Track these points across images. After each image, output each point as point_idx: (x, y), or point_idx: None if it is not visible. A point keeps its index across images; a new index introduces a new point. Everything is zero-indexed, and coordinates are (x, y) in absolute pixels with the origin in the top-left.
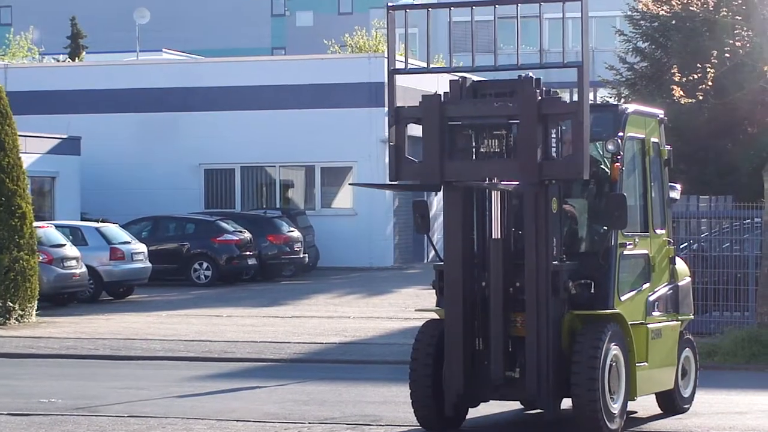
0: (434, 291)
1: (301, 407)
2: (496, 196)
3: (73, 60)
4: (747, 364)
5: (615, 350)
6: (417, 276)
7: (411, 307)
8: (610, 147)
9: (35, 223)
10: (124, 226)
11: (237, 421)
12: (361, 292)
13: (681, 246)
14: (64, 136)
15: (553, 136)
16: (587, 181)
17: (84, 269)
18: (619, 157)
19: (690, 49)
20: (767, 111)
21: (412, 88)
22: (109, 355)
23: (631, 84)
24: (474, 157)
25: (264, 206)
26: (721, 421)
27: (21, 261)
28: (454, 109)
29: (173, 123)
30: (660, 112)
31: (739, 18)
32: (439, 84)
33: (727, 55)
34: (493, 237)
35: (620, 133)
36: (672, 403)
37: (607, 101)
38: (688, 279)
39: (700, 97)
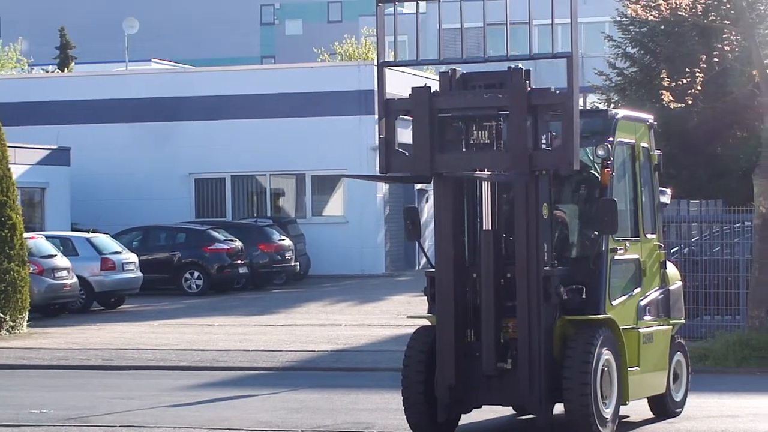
0: (426, 298)
1: (294, 415)
2: (486, 188)
3: (62, 71)
4: (738, 367)
5: (607, 355)
6: (408, 283)
7: (403, 314)
8: (601, 152)
9: (25, 234)
10: (114, 236)
11: (229, 429)
12: (353, 299)
13: (672, 250)
14: (54, 147)
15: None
16: (578, 186)
17: (75, 280)
18: (609, 162)
19: (679, 54)
20: (756, 115)
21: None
22: (101, 365)
23: (621, 89)
24: (464, 149)
25: (255, 215)
26: (713, 424)
27: (11, 272)
28: (444, 101)
29: (163, 133)
30: (650, 117)
31: (728, 22)
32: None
33: (715, 59)
34: (483, 228)
35: (610, 139)
36: (664, 407)
37: (597, 107)
38: (679, 283)
39: (690, 102)
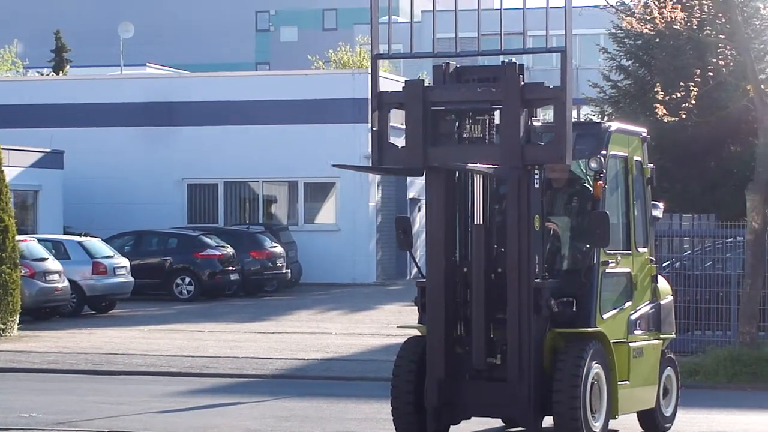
0: (416, 308)
1: (283, 423)
2: (478, 182)
3: (57, 74)
4: (728, 383)
5: (597, 369)
6: (399, 292)
7: (393, 323)
8: (593, 165)
9: (17, 237)
10: (106, 241)
11: None
12: (344, 308)
13: (663, 264)
14: (47, 150)
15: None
16: (570, 199)
17: (66, 283)
18: (601, 175)
19: (674, 68)
20: (750, 129)
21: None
22: (91, 369)
23: (615, 102)
24: (457, 142)
25: (247, 221)
26: None
27: (3, 275)
28: (437, 94)
29: (157, 137)
30: (643, 131)
31: (723, 37)
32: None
33: (710, 73)
34: (475, 223)
35: (603, 151)
36: (653, 422)
37: (591, 119)
38: (670, 298)
39: (684, 116)
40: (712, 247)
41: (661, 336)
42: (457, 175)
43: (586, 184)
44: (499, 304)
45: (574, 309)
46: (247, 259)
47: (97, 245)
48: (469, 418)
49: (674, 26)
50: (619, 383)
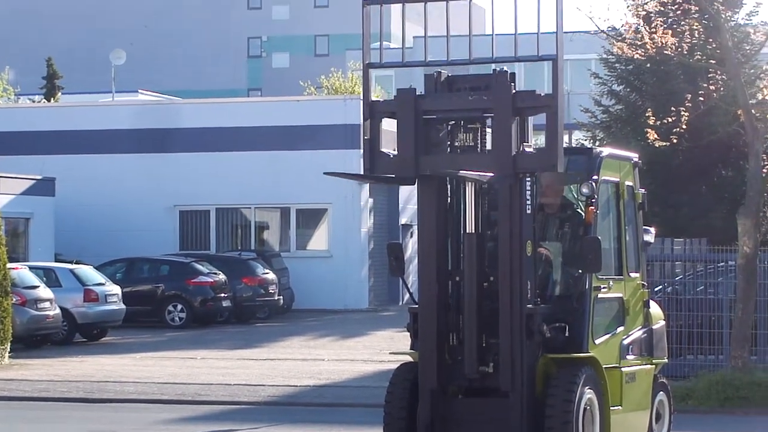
0: (409, 334)
1: None
2: (470, 190)
3: (49, 100)
4: (721, 407)
5: (589, 394)
6: (392, 318)
7: (386, 349)
8: (585, 190)
9: (9, 265)
10: (98, 268)
11: None
12: (336, 334)
13: (655, 289)
14: (39, 177)
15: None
16: (562, 224)
17: (58, 311)
18: (593, 200)
19: (664, 93)
20: (741, 154)
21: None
22: (82, 397)
23: (606, 127)
24: (449, 151)
25: (239, 248)
26: None
27: None
28: (429, 103)
29: (148, 164)
30: (634, 156)
31: (713, 62)
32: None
33: (701, 98)
34: (467, 231)
35: (595, 177)
36: None
37: (582, 144)
38: (663, 322)
39: (675, 141)
40: (704, 271)
41: (653, 361)
42: (449, 183)
43: (577, 210)
44: (491, 313)
45: (567, 334)
46: (239, 285)
47: (89, 272)
48: None
49: (665, 51)
50: (611, 408)
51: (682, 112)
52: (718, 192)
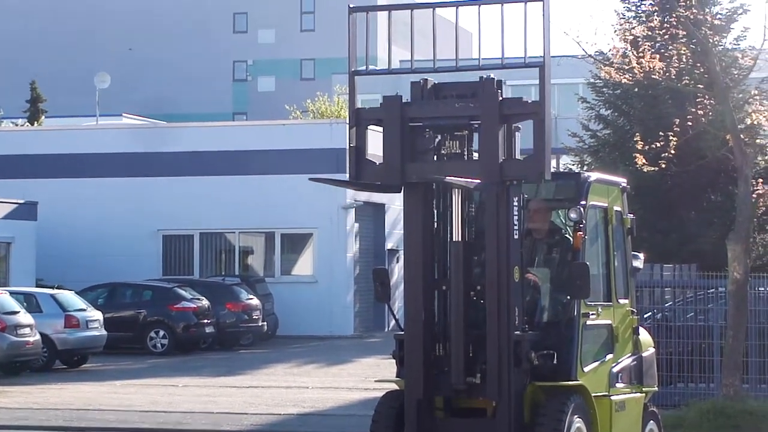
0: (395, 361)
1: None
2: (457, 198)
3: (32, 124)
4: None
5: (578, 423)
6: (377, 345)
7: (371, 377)
8: (573, 215)
9: None
10: (80, 293)
11: None
12: (321, 361)
13: (645, 316)
14: (21, 201)
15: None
16: (550, 250)
17: (38, 337)
18: (581, 225)
19: (653, 117)
20: (730, 179)
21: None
22: (62, 426)
23: (594, 151)
24: (435, 158)
25: (223, 273)
26: None
27: None
28: (415, 110)
29: (132, 188)
30: (623, 181)
31: (701, 86)
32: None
33: (689, 123)
34: (453, 239)
35: (583, 202)
36: None
37: (570, 169)
38: (652, 350)
39: (663, 165)
40: (694, 297)
41: (643, 389)
42: (435, 191)
43: (566, 235)
44: (479, 323)
45: (555, 362)
46: (222, 311)
47: (70, 298)
48: None
49: (653, 76)
50: None
51: (671, 137)
52: (707, 217)
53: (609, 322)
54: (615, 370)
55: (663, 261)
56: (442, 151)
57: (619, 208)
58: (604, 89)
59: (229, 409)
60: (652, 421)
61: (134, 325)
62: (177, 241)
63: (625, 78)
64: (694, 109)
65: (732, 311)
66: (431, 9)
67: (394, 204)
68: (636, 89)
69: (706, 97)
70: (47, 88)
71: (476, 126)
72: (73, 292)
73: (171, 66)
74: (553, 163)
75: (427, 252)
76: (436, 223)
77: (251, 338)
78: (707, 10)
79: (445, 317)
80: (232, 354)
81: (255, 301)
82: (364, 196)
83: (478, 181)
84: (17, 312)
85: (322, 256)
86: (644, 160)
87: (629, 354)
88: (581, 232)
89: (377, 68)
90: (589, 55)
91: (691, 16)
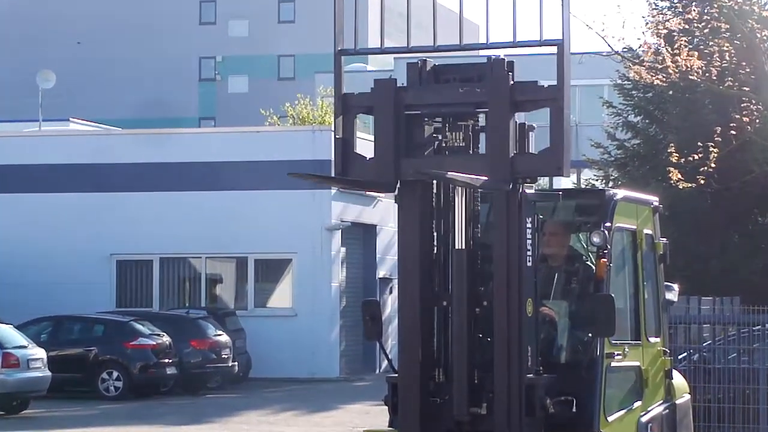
0: (387, 408)
1: None
2: (460, 199)
3: None
4: None
5: None
6: (367, 390)
7: (359, 426)
8: (596, 239)
9: None
10: (19, 327)
11: None
12: (301, 408)
13: (679, 356)
14: None
15: None
16: (568, 279)
17: None
18: (605, 251)
19: (690, 125)
20: None
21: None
22: None
23: (621, 164)
24: (435, 152)
25: (187, 305)
26: None
27: None
28: (412, 96)
29: (80, 205)
30: (654, 199)
31: (747, 89)
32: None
33: (732, 132)
34: (456, 247)
35: (607, 223)
36: None
37: (593, 185)
38: (688, 396)
39: (702, 181)
40: (737, 335)
41: None
42: (435, 190)
43: (587, 262)
44: (485, 344)
45: (574, 410)
46: (186, 349)
47: (8, 333)
48: None
49: (690, 76)
50: None
51: (711, 148)
52: (753, 242)
53: (637, 363)
54: (644, 419)
55: (701, 293)
56: (443, 144)
57: (649, 231)
58: (633, 92)
59: None
60: None
61: (83, 365)
62: (133, 267)
63: (657, 79)
64: (738, 116)
65: None
66: None
67: (387, 225)
68: (670, 92)
69: (753, 101)
70: None
71: (483, 114)
72: (11, 326)
73: (126, 63)
74: (573, 177)
75: (426, 262)
76: (435, 229)
77: (220, 381)
78: None
79: (446, 337)
80: (198, 399)
81: (224, 338)
82: (352, 215)
83: (485, 178)
84: None
85: (302, 285)
86: (680, 176)
87: (661, 401)
88: (605, 259)
89: (369, 47)
90: (616, 52)
91: (736, 7)
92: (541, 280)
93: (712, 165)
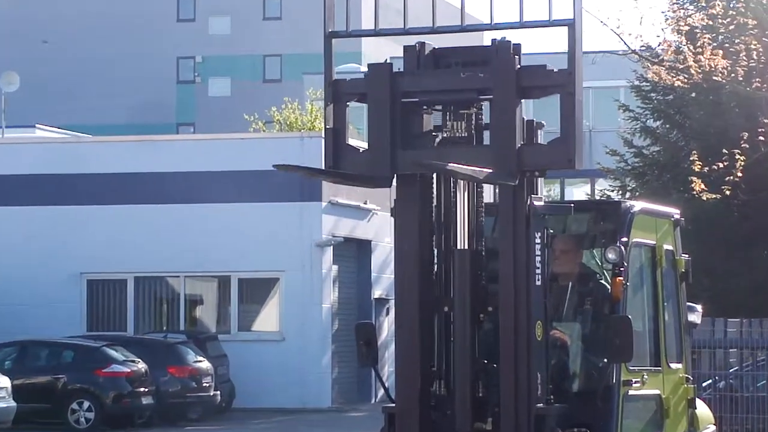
0: None
1: None
2: (462, 195)
3: None
4: None
5: None
6: (361, 421)
7: None
8: (611, 256)
9: None
10: None
11: None
12: None
13: (704, 384)
14: None
15: None
16: (581, 300)
17: None
18: (621, 269)
19: (714, 130)
20: None
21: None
22: None
23: (639, 174)
24: (435, 144)
25: (164, 328)
26: None
27: None
28: (409, 82)
29: (48, 219)
30: (675, 212)
31: None
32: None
33: (761, 137)
34: (458, 247)
35: (624, 238)
36: None
37: (608, 196)
38: (713, 427)
39: (728, 192)
40: (766, 361)
41: None
42: (435, 185)
43: (602, 281)
44: (490, 353)
45: None
46: (164, 377)
47: None
48: None
49: (714, 77)
50: None
51: (737, 156)
52: None
53: (657, 392)
54: None
55: (727, 314)
56: (444, 135)
57: (670, 247)
58: (651, 94)
59: None
60: None
61: (52, 395)
62: (106, 287)
63: (678, 80)
64: (767, 120)
65: None
66: None
67: (383, 240)
68: (693, 94)
69: None
70: None
71: (487, 101)
72: None
73: (97, 64)
74: (587, 188)
75: (425, 264)
76: (435, 227)
77: (201, 412)
78: None
79: (447, 346)
80: (177, 431)
81: (205, 365)
82: (345, 230)
83: (490, 170)
84: None
85: (290, 306)
86: (703, 186)
87: None
88: (622, 278)
89: (362, 29)
90: (633, 51)
91: (765, 1)
92: (551, 301)
93: (739, 174)
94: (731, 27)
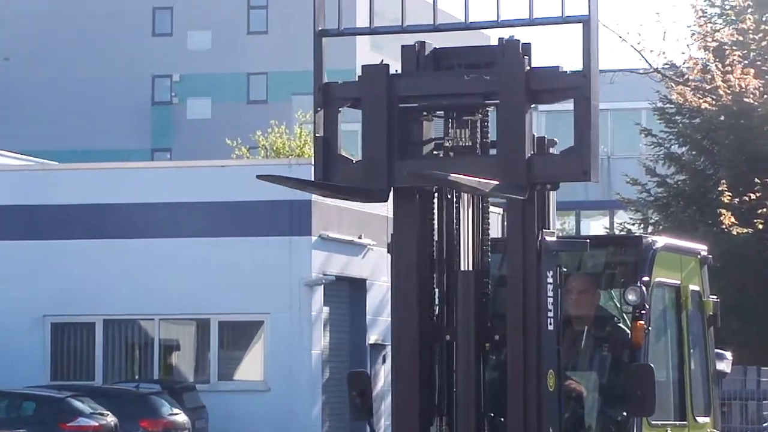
0: None
1: None
2: (466, 210)
3: None
4: None
5: None
6: None
7: None
8: (631, 297)
9: None
10: None
11: None
12: None
13: None
14: None
15: None
16: (598, 346)
17: None
18: (643, 311)
19: (745, 157)
20: None
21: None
22: None
23: (663, 205)
24: (436, 153)
25: (136, 377)
26: None
27: None
28: (407, 85)
29: (9, 255)
30: (703, 248)
31: None
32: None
33: None
34: (461, 268)
35: (645, 278)
36: None
37: (628, 230)
38: None
39: (760, 226)
40: None
41: None
42: (436, 199)
43: (620, 325)
44: (497, 404)
45: None
46: (136, 431)
47: None
48: None
49: (745, 98)
50: None
51: None
52: None
53: None
54: None
55: (760, 363)
56: (446, 144)
57: (697, 287)
58: (676, 117)
59: None
60: None
61: None
62: (72, 330)
63: (705, 101)
64: None
65: None
66: None
67: (380, 279)
68: (722, 117)
69: None
70: None
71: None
72: None
73: (65, 83)
74: (605, 221)
75: (425, 287)
76: (436, 246)
77: None
78: None
79: (450, 379)
80: None
81: (182, 418)
82: (337, 267)
83: (496, 182)
84: None
85: (276, 353)
86: (733, 219)
87: None
88: (643, 321)
89: (356, 27)
90: (655, 69)
91: None
92: (564, 348)
93: None
94: (764, 43)
